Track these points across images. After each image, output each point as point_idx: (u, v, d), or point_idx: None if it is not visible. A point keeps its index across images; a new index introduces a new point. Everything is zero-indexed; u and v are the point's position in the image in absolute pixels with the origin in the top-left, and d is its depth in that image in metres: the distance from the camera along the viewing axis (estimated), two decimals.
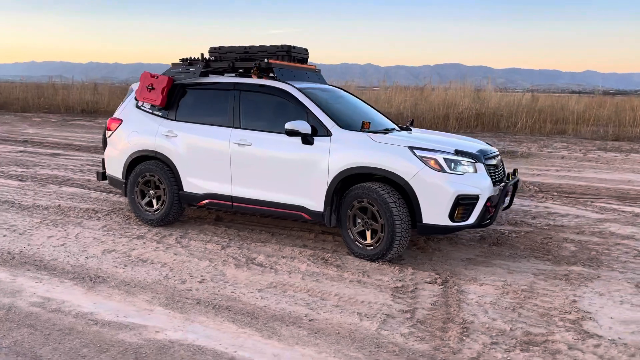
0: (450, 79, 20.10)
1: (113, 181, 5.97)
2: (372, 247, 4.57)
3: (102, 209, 6.29)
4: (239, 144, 5.07)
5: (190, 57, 5.74)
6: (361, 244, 4.64)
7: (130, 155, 5.69)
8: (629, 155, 11.31)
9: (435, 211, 4.33)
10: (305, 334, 3.30)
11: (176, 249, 4.92)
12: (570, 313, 3.62)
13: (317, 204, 4.75)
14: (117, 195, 7.01)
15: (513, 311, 3.65)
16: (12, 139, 13.36)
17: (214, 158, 5.22)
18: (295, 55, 5.69)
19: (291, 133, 4.70)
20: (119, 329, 3.32)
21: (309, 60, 6.05)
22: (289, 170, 4.84)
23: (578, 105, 17.03)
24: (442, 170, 4.35)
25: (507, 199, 5.02)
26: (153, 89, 5.53)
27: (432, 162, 4.37)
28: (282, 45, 5.55)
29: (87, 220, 5.83)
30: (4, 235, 5.20)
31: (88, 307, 3.63)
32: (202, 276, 4.24)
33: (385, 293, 3.95)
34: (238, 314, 3.56)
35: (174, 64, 5.74)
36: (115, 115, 5.97)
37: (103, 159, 6.08)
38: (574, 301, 3.82)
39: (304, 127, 4.67)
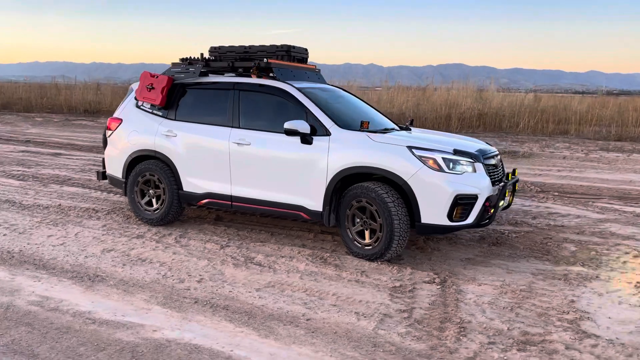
0: (453, 79, 20.07)
1: (113, 181, 5.98)
2: (370, 247, 4.57)
3: (102, 209, 6.30)
4: (238, 144, 5.07)
5: (190, 57, 5.75)
6: (360, 244, 4.63)
7: (130, 155, 5.70)
8: (630, 156, 11.27)
9: (433, 211, 4.33)
10: (302, 333, 3.30)
11: (175, 248, 4.93)
12: (568, 313, 3.61)
13: (316, 203, 4.75)
14: (118, 195, 7.02)
15: (511, 311, 3.64)
16: (15, 138, 13.41)
17: (213, 158, 5.22)
18: (295, 55, 5.69)
19: (290, 133, 4.70)
20: (117, 328, 3.33)
21: (309, 60, 6.04)
22: (288, 169, 4.85)
23: (581, 106, 16.97)
24: (440, 169, 4.35)
25: (507, 199, 5.00)
26: (153, 88, 5.54)
27: (430, 162, 4.36)
28: (281, 45, 5.55)
29: (87, 219, 5.85)
30: (4, 235, 5.22)
31: (86, 306, 3.63)
32: (200, 275, 4.25)
33: (383, 293, 3.94)
34: (235, 313, 3.57)
35: (173, 64, 5.75)
36: (115, 114, 5.99)
37: (103, 159, 6.10)
38: (572, 301, 3.82)
39: (303, 126, 4.67)
